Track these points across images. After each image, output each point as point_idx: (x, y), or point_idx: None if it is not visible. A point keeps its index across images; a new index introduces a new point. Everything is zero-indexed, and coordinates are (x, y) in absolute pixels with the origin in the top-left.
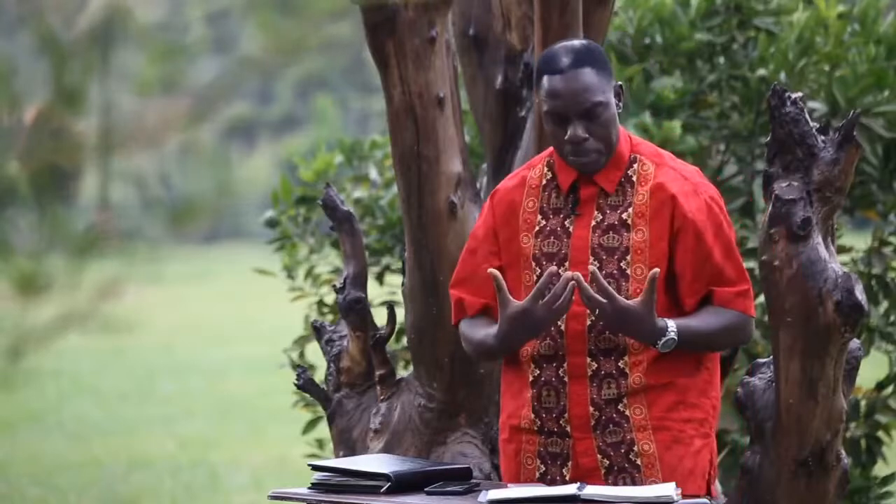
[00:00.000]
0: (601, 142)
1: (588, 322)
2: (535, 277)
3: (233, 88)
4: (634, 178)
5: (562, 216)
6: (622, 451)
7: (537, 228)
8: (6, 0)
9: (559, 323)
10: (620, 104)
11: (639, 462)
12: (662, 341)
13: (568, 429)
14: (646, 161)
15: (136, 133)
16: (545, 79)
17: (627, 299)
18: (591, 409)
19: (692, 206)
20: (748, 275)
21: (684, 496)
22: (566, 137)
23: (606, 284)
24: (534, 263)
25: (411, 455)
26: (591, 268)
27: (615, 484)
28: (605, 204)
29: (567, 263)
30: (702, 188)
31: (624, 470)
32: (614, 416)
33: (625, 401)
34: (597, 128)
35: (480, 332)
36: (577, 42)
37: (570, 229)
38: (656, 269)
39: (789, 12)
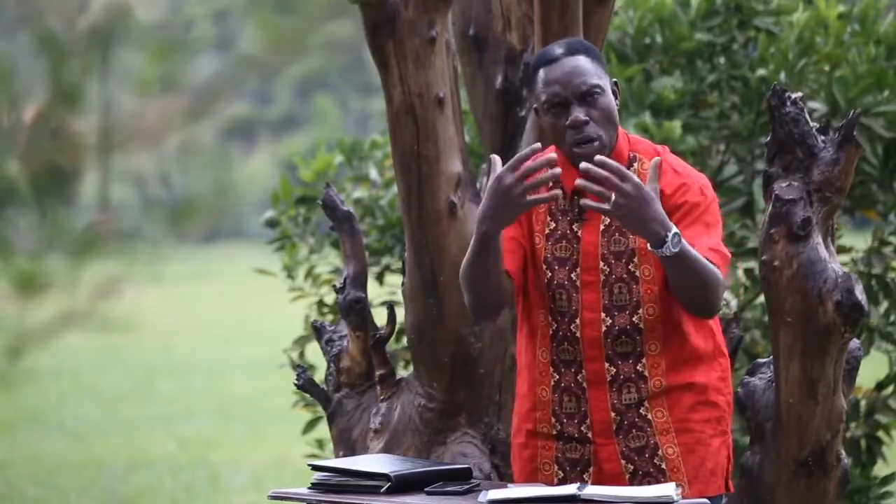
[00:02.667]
0: (601, 127)
1: (603, 328)
2: (545, 280)
3: (232, 87)
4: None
5: (569, 219)
6: (646, 455)
7: (548, 231)
8: (6, 0)
9: (574, 329)
10: (618, 102)
11: (663, 466)
12: (673, 231)
13: (589, 434)
14: (645, 161)
15: (136, 132)
16: (541, 71)
17: (639, 303)
18: (613, 414)
19: (685, 192)
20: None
21: (707, 497)
22: (567, 122)
23: (618, 165)
24: (545, 266)
25: (411, 455)
26: (598, 158)
27: None
28: None
29: (578, 269)
30: (694, 177)
31: (649, 474)
32: (636, 419)
33: (646, 404)
34: (596, 112)
35: None
36: (569, 39)
37: (579, 234)
38: (658, 158)
39: (789, 12)
